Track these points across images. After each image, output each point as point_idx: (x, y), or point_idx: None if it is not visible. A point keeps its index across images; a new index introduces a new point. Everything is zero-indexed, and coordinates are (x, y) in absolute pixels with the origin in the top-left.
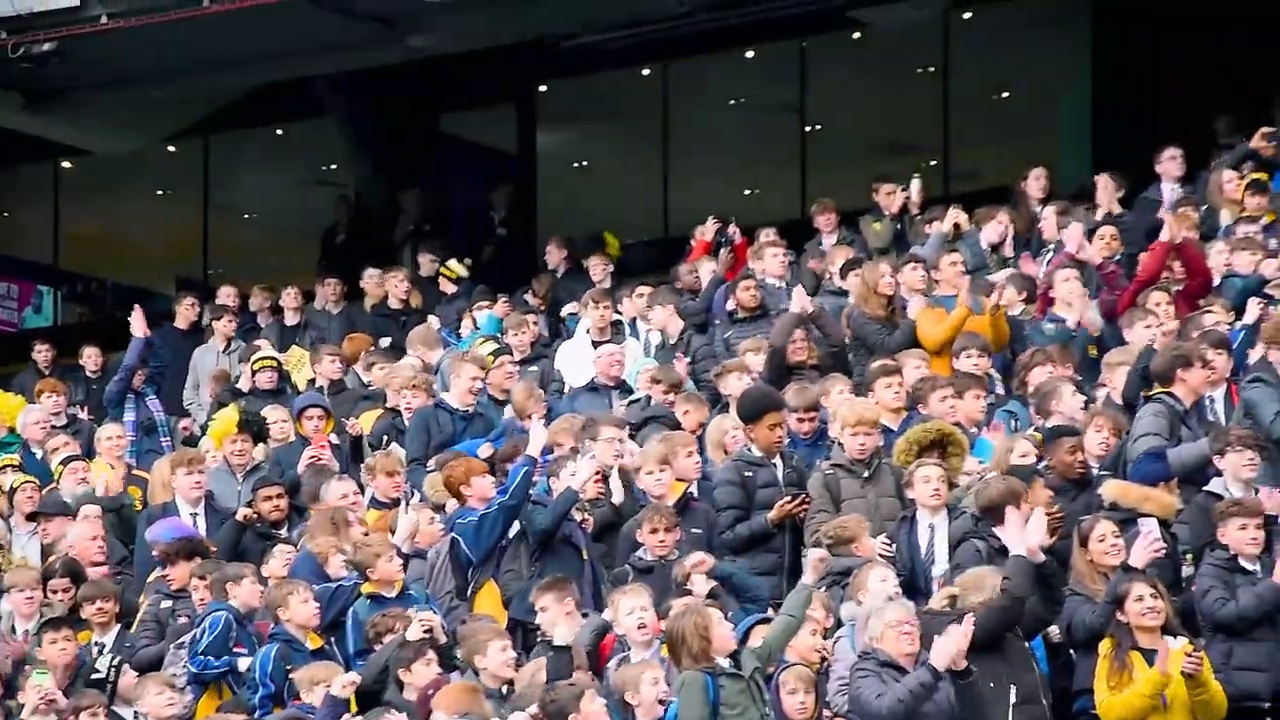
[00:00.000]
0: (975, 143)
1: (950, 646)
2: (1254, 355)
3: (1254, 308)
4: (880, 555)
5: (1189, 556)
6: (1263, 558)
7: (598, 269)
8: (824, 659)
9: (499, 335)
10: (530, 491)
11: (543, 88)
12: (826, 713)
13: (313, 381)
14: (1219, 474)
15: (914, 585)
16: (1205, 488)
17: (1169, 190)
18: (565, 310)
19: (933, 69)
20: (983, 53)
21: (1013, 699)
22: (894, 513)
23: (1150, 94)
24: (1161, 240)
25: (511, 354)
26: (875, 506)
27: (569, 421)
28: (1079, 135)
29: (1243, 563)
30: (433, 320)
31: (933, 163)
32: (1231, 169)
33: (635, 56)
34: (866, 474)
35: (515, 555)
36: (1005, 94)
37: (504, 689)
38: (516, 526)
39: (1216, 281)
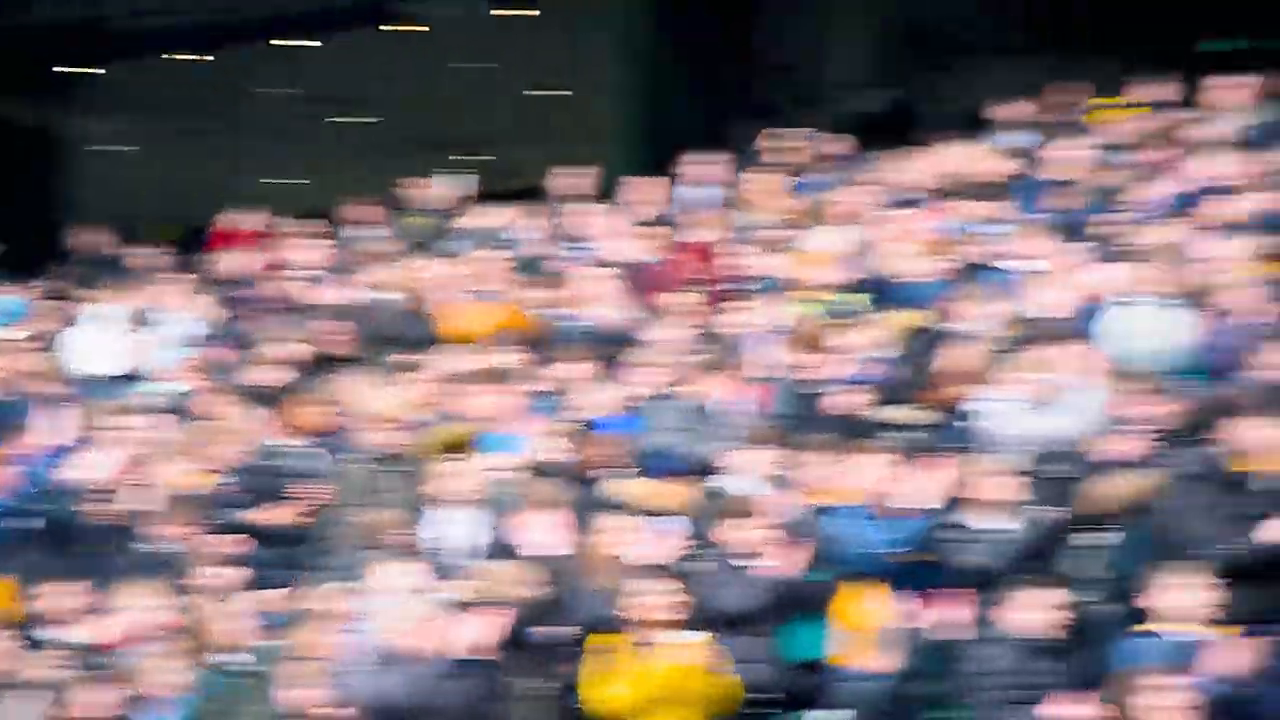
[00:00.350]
0: (521, 140)
1: (472, 636)
2: (773, 355)
3: (778, 309)
4: (410, 549)
5: (698, 551)
6: (766, 553)
7: (147, 257)
8: (337, 651)
9: (21, 321)
10: (46, 483)
11: (88, 69)
12: (337, 707)
13: None
14: (730, 471)
15: (439, 578)
16: (716, 483)
17: (697, 193)
18: (85, 301)
19: (481, 65)
20: (532, 50)
21: (535, 693)
22: (423, 506)
23: (703, 94)
24: (682, 241)
25: (33, 340)
26: (405, 501)
27: (88, 410)
28: (627, 135)
29: (745, 560)
30: None
31: (476, 158)
32: (755, 171)
33: (188, 42)
34: (395, 468)
35: (30, 548)
36: (553, 91)
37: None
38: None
39: (745, 284)
